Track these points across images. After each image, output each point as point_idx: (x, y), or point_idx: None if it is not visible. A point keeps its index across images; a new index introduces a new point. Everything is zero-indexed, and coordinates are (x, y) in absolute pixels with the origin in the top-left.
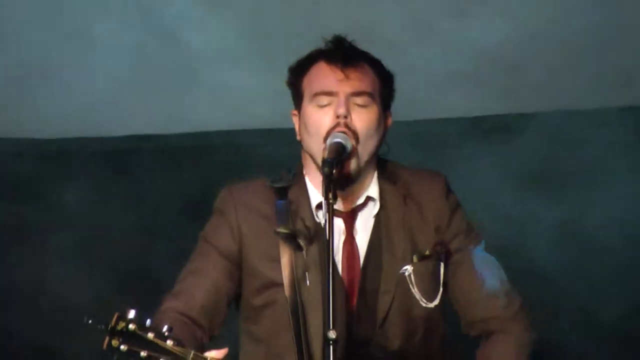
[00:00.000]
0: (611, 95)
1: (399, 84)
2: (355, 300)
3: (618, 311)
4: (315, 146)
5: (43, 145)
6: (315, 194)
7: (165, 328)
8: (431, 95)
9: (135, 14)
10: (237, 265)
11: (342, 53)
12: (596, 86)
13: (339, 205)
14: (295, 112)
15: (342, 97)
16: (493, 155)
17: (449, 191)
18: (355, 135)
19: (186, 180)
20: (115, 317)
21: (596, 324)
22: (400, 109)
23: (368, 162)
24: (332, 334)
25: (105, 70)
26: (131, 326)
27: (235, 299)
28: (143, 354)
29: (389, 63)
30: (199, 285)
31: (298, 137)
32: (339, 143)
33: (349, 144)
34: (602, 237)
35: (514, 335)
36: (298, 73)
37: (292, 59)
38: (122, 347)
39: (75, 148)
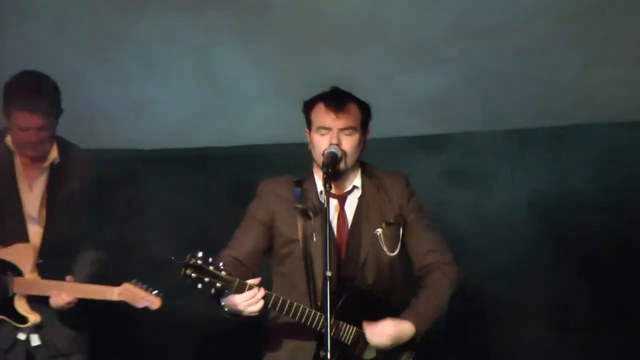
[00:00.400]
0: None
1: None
2: (343, 252)
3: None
4: (318, 156)
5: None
6: (319, 184)
7: (220, 264)
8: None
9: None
10: (269, 229)
11: (336, 100)
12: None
13: (334, 191)
14: (307, 130)
15: (335, 131)
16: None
17: (407, 184)
18: (344, 152)
19: (235, 179)
20: (189, 256)
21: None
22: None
23: (352, 165)
24: (328, 273)
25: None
26: (198, 262)
27: (268, 250)
28: (206, 279)
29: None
30: (244, 240)
31: (309, 147)
32: (333, 152)
33: (339, 152)
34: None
35: (446, 272)
36: (308, 107)
37: (304, 97)
38: (192, 275)
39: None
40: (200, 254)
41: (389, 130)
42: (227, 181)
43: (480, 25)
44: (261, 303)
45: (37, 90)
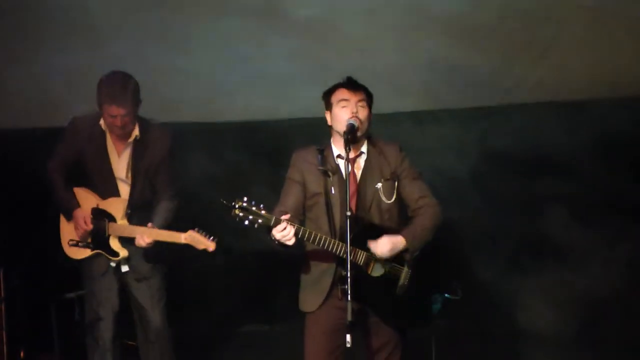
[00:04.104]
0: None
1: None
2: (354, 200)
3: None
4: (340, 126)
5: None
6: (336, 150)
7: (261, 205)
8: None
9: None
10: (303, 186)
11: (351, 83)
12: None
13: (349, 154)
14: (327, 112)
15: (353, 102)
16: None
17: (400, 150)
18: (359, 120)
19: (275, 150)
20: (236, 200)
21: None
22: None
23: (363, 134)
24: (348, 212)
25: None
26: (244, 204)
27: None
28: (250, 217)
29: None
30: (287, 198)
31: (329, 123)
32: (352, 124)
33: (357, 124)
34: None
35: (432, 210)
36: (328, 93)
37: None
38: (240, 214)
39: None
40: (245, 198)
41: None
42: (266, 154)
43: None
44: (294, 235)
45: (122, 87)
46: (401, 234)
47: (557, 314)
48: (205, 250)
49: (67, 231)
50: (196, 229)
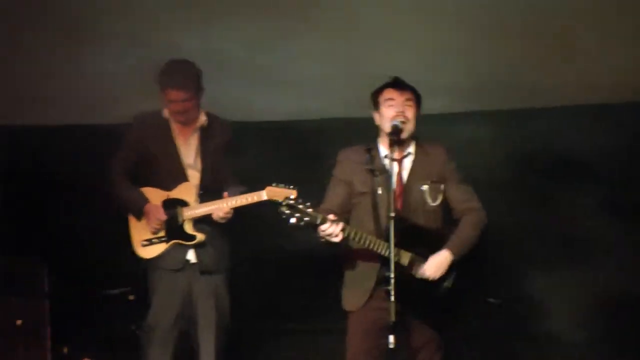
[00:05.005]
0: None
1: None
2: (400, 201)
3: None
4: (386, 124)
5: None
6: (383, 150)
7: (308, 203)
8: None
9: None
10: (349, 185)
11: (399, 83)
12: None
13: (395, 155)
14: (375, 111)
15: (399, 101)
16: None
17: (447, 152)
18: (406, 119)
19: (311, 150)
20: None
21: None
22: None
23: (410, 134)
24: (392, 214)
25: None
26: (291, 202)
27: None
28: (297, 215)
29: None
30: (333, 197)
31: (377, 122)
32: (397, 125)
33: (401, 125)
34: None
35: (476, 215)
36: (376, 93)
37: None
38: (286, 211)
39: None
40: (291, 196)
41: None
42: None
43: None
44: (340, 233)
45: (181, 72)
46: (447, 248)
47: (587, 316)
48: (287, 199)
49: (138, 232)
50: (273, 184)
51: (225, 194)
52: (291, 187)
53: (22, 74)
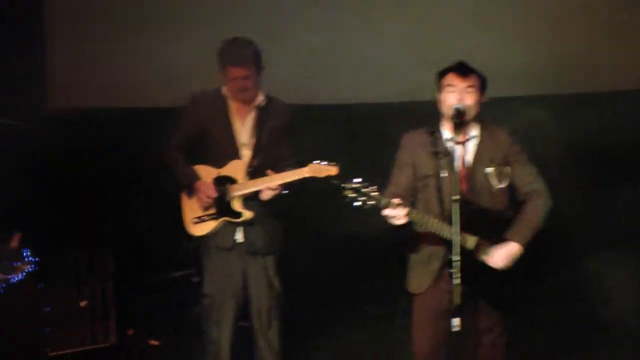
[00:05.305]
0: None
1: None
2: (465, 184)
3: None
4: (448, 110)
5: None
6: (446, 133)
7: (373, 187)
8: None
9: None
10: (413, 169)
11: (462, 68)
12: None
13: (458, 138)
14: (438, 94)
15: (460, 88)
16: None
17: (510, 134)
18: (466, 107)
19: (378, 133)
20: (347, 180)
21: None
22: None
23: (472, 118)
24: (456, 197)
25: None
26: (355, 185)
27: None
28: (361, 198)
29: None
30: (399, 179)
31: (439, 106)
32: (458, 108)
33: (463, 108)
34: None
35: (541, 197)
36: (440, 76)
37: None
38: (350, 195)
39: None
40: (356, 179)
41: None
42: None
43: None
44: (405, 217)
45: (241, 50)
46: (514, 239)
47: None
48: (328, 177)
49: (190, 209)
50: (317, 161)
51: (269, 171)
52: (334, 163)
53: (101, 60)
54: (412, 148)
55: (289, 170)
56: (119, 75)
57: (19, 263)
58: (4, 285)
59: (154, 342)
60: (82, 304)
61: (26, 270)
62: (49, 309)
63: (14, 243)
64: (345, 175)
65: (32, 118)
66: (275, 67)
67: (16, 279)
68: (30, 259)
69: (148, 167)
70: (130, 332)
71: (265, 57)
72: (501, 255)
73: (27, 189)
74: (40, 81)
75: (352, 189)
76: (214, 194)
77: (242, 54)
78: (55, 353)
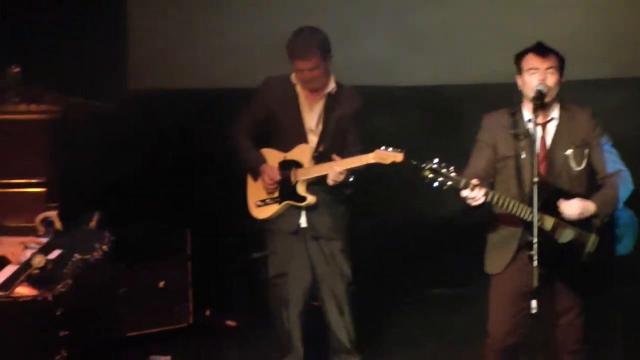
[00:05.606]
0: None
1: None
2: (544, 165)
3: None
4: (529, 91)
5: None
6: (527, 114)
7: (452, 168)
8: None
9: None
10: (494, 150)
11: (542, 49)
12: None
13: (539, 119)
14: (518, 76)
15: (542, 70)
16: None
17: (592, 116)
18: (548, 88)
19: (456, 114)
20: (427, 161)
21: None
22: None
23: (553, 99)
24: (535, 179)
25: None
26: (434, 166)
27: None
28: (440, 179)
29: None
30: (479, 161)
31: (520, 87)
32: (540, 90)
33: (545, 89)
34: None
35: (621, 177)
36: (519, 57)
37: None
38: (429, 175)
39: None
40: (435, 160)
41: None
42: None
43: None
44: (483, 198)
45: (307, 41)
46: (591, 200)
47: None
48: (393, 163)
49: (254, 192)
50: (383, 147)
51: (334, 155)
52: (399, 150)
53: (174, 42)
54: (492, 129)
55: (352, 157)
56: (199, 57)
57: (98, 243)
58: (82, 265)
59: (230, 323)
60: (160, 284)
61: (105, 251)
62: (127, 289)
63: (93, 223)
64: (424, 156)
65: (114, 99)
66: (356, 49)
67: (94, 259)
68: (108, 239)
69: (227, 148)
70: (208, 312)
71: (345, 37)
72: (576, 205)
73: (107, 170)
74: (123, 63)
75: (430, 169)
76: (277, 177)
77: (307, 46)
78: (132, 333)
